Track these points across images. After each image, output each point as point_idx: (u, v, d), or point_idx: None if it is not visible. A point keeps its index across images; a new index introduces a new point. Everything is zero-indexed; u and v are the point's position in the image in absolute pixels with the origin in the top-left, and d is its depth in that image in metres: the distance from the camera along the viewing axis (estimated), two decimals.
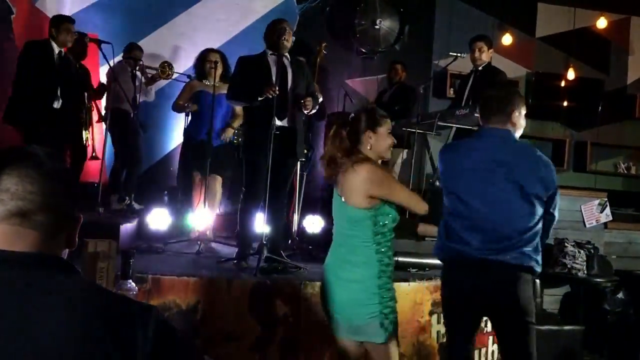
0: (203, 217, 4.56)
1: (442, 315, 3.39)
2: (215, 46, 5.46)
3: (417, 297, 3.37)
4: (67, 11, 5.49)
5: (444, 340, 3.49)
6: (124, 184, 5.17)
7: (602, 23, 6.61)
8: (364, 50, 6.55)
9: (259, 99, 3.57)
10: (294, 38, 3.90)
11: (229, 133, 4.76)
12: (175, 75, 5.31)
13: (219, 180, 4.67)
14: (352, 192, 2.20)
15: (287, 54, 3.78)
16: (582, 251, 4.84)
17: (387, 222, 2.21)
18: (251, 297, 3.04)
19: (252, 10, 6.28)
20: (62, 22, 4.38)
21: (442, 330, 3.47)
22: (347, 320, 2.23)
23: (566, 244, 4.88)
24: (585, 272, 4.84)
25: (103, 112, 5.27)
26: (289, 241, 4.61)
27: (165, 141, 6.12)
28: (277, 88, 3.53)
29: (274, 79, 3.60)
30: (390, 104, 5.57)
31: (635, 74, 7.37)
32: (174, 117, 5.59)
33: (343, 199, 2.24)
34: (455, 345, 2.43)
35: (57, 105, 4.29)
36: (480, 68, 4.70)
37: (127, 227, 4.11)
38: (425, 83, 5.45)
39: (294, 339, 3.07)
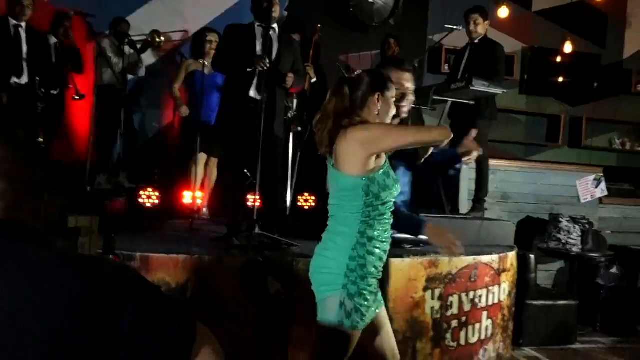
0: (197, 196, 4.52)
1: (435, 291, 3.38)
2: (206, 22, 5.35)
3: (411, 273, 3.34)
4: None
5: (439, 316, 3.48)
6: (116, 161, 5.09)
7: None
8: (358, 25, 6.43)
9: (248, 70, 3.51)
10: (285, 13, 3.82)
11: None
12: (164, 47, 5.24)
13: (214, 162, 4.66)
14: (342, 155, 1.96)
15: (275, 26, 3.71)
16: (577, 226, 4.83)
17: (381, 194, 1.95)
18: (243, 274, 3.00)
19: None
20: None
21: (437, 306, 3.46)
22: (315, 294, 2.01)
23: (561, 219, 4.86)
24: (579, 247, 4.83)
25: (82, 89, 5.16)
26: (282, 218, 4.56)
27: (156, 118, 6.02)
28: (267, 61, 3.45)
29: (257, 50, 3.55)
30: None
31: (632, 48, 7.28)
32: (164, 94, 5.50)
33: (333, 164, 2.01)
34: None
35: (21, 80, 4.30)
36: (476, 41, 4.61)
37: (116, 205, 4.05)
38: (420, 57, 5.35)
39: (286, 316, 3.03)
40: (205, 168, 4.51)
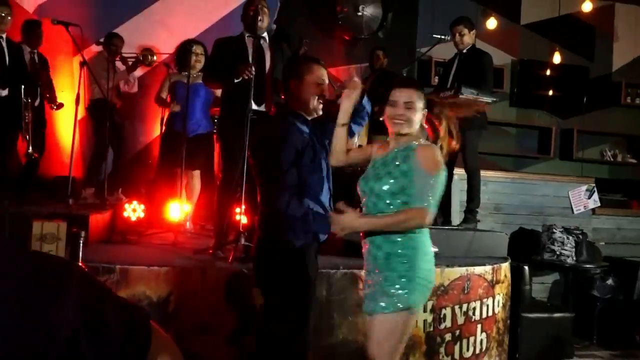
0: (180, 209, 4.42)
1: None
2: (194, 34, 5.29)
3: None
4: None
5: (431, 329, 3.37)
6: (110, 176, 4.97)
7: (587, 6, 6.52)
8: (346, 38, 6.42)
9: (235, 80, 3.43)
10: (274, 26, 3.77)
11: None
12: (155, 64, 5.20)
13: (197, 174, 4.59)
14: None
15: (265, 35, 3.66)
16: (570, 237, 4.75)
17: None
18: (227, 287, 2.89)
19: None
20: None
21: (429, 319, 3.35)
22: None
23: (554, 230, 4.78)
24: (574, 258, 4.75)
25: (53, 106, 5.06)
26: None
27: (144, 132, 5.94)
28: (253, 68, 3.38)
29: (249, 60, 3.48)
30: (373, 91, 5.43)
31: (620, 60, 7.31)
32: (153, 107, 5.42)
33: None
34: None
35: (2, 92, 4.26)
36: (464, 51, 4.58)
37: (99, 218, 3.93)
38: (408, 66, 5.32)
39: None
40: (189, 182, 4.43)
